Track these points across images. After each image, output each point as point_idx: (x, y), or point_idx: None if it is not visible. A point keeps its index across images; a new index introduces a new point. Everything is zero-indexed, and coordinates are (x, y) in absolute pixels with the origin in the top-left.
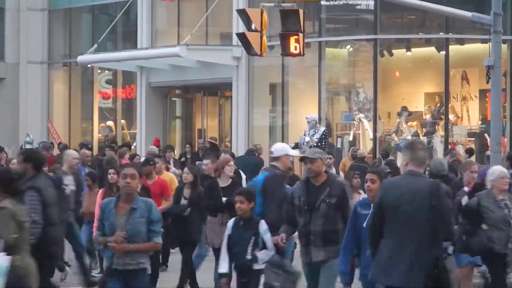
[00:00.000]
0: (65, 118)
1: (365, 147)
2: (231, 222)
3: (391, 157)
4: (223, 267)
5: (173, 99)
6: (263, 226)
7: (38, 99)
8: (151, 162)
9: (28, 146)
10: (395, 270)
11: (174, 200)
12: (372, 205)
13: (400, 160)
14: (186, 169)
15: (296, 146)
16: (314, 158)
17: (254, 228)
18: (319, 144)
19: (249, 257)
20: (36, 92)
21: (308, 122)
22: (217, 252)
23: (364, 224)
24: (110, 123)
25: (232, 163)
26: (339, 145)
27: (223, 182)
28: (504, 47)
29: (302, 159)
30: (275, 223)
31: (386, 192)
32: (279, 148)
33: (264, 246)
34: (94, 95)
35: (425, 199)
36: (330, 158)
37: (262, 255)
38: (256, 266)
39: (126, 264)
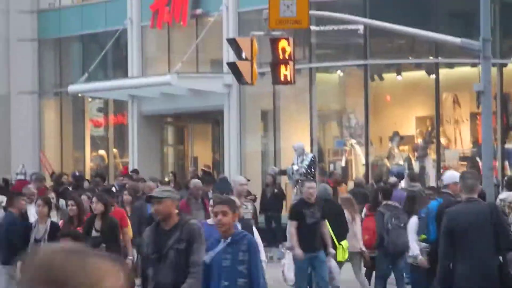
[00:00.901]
0: (57, 148)
1: (358, 172)
2: None
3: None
4: None
5: (165, 127)
6: None
7: (30, 129)
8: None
9: (20, 177)
10: (480, 279)
11: (85, 231)
12: (222, 241)
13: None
14: (94, 199)
15: (284, 173)
16: (162, 198)
17: None
18: (309, 170)
19: None
20: (27, 122)
21: (295, 150)
22: None
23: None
24: (102, 152)
25: None
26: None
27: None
28: (494, 70)
29: (148, 198)
30: None
31: (454, 219)
32: (449, 175)
33: None
34: (85, 124)
35: (487, 218)
36: (313, 188)
37: None
38: None
39: None
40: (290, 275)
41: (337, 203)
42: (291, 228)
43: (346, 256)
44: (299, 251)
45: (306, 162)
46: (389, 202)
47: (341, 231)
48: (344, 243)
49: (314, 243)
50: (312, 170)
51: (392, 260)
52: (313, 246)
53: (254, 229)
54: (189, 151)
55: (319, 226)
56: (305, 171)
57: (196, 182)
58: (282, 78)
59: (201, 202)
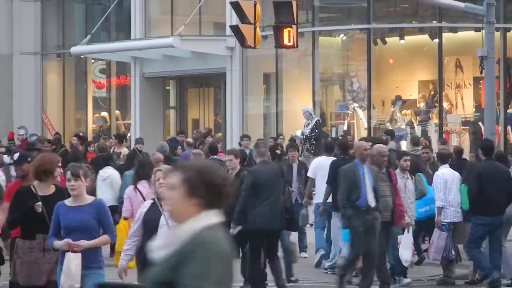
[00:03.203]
0: (59, 108)
1: (360, 136)
2: None
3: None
4: None
5: (167, 89)
6: None
7: (32, 90)
8: (29, 159)
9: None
10: (269, 219)
11: None
12: None
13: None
14: None
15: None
16: None
17: None
18: (312, 134)
19: None
20: (30, 83)
21: (303, 114)
22: None
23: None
24: (104, 114)
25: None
26: (333, 135)
27: (43, 189)
28: (497, 35)
29: None
30: None
31: (255, 174)
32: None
33: None
34: (88, 85)
35: (278, 175)
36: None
37: None
38: None
39: None
40: (406, 254)
41: (172, 158)
42: None
43: None
44: None
45: (310, 127)
46: (215, 157)
47: None
48: None
49: None
50: (313, 134)
51: None
52: None
53: None
54: (190, 114)
55: None
56: (308, 135)
57: (379, 147)
58: (285, 41)
59: (386, 172)
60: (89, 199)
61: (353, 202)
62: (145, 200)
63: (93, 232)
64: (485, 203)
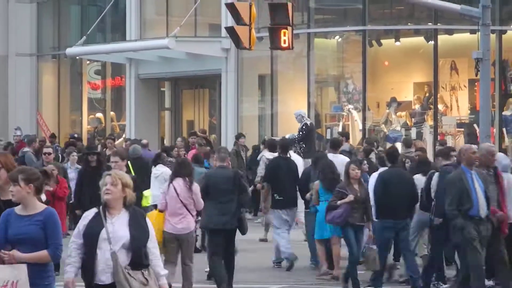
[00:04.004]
0: (54, 110)
1: (355, 138)
2: None
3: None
4: None
5: (162, 90)
6: None
7: (27, 91)
8: None
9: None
10: (221, 219)
11: None
12: None
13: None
14: None
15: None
16: None
17: None
18: (297, 135)
19: None
20: (25, 84)
21: (296, 117)
22: None
23: None
24: (99, 115)
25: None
26: (328, 136)
27: (6, 193)
28: (492, 37)
29: None
30: None
31: (209, 178)
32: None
33: None
34: (83, 86)
35: (231, 180)
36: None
37: None
38: None
39: None
40: None
41: (145, 160)
42: None
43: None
44: None
45: (299, 129)
46: (170, 159)
47: (147, 182)
48: (146, 192)
49: None
50: (297, 136)
51: None
52: None
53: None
54: (185, 115)
55: None
56: (297, 137)
57: (488, 146)
58: (280, 43)
59: (494, 173)
60: (40, 207)
61: (465, 212)
62: (178, 197)
63: (40, 246)
64: (388, 207)
